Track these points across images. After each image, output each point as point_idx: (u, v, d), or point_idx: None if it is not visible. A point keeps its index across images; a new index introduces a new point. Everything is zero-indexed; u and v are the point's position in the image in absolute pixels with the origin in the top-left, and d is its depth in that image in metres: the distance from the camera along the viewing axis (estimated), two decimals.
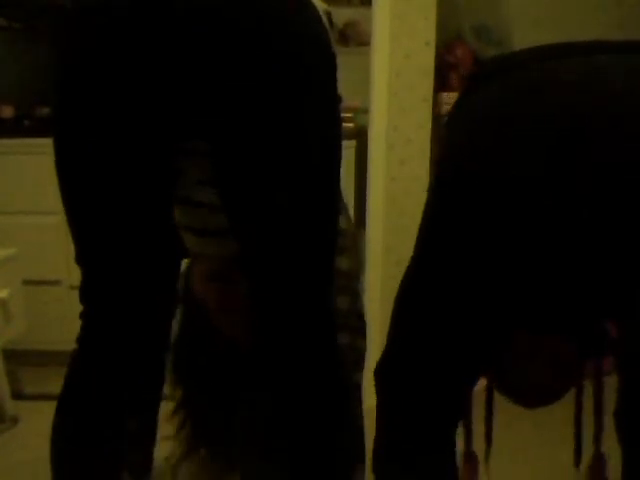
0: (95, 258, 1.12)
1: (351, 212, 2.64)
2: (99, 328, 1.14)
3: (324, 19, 1.04)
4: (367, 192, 2.45)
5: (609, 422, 1.15)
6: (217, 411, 1.40)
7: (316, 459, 1.09)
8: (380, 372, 1.12)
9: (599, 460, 1.22)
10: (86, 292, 1.14)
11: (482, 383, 1.17)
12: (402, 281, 1.10)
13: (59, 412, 1.14)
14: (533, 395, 1.10)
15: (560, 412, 1.22)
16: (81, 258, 1.13)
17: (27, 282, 2.30)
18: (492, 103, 1.01)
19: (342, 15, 3.54)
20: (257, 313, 1.09)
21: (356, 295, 1.45)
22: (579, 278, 0.93)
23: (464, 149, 1.01)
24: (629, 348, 0.97)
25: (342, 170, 1.09)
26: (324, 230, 1.07)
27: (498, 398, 1.18)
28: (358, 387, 1.41)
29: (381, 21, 2.28)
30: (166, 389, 1.31)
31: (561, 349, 1.04)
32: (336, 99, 1.06)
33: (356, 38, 3.52)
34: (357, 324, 1.43)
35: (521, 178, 0.92)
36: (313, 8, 1.02)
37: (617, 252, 0.90)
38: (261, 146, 0.98)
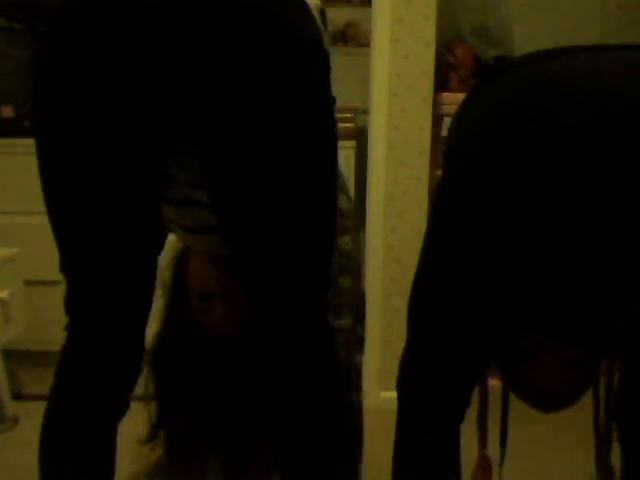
0: (82, 266, 1.08)
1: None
2: (86, 340, 1.11)
3: (317, 17, 1.04)
4: (367, 192, 2.45)
5: None
6: (193, 407, 1.39)
7: (318, 460, 1.09)
8: (401, 377, 1.13)
9: (609, 473, 1.21)
10: (72, 303, 1.11)
11: (498, 387, 1.17)
12: (412, 285, 1.10)
13: (46, 425, 1.11)
14: (550, 399, 1.09)
15: (574, 415, 1.21)
16: (67, 266, 1.09)
17: (27, 282, 2.30)
18: (493, 103, 1.01)
19: (342, 15, 3.54)
20: (252, 313, 1.08)
21: (357, 276, 1.44)
22: (590, 278, 0.93)
23: (466, 148, 1.01)
24: (631, 349, 0.97)
25: (340, 165, 1.08)
26: (321, 230, 1.05)
27: (512, 402, 1.17)
28: (358, 371, 1.40)
29: (381, 21, 2.28)
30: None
31: (576, 351, 1.04)
32: (330, 100, 1.05)
33: (356, 38, 3.53)
34: (358, 305, 1.42)
35: (521, 178, 0.92)
36: (307, 8, 1.01)
37: (622, 250, 0.90)
38: (256, 147, 0.97)
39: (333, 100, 1.06)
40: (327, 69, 1.04)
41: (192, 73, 0.94)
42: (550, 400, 1.09)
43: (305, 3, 1.01)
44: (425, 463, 1.09)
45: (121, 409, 1.15)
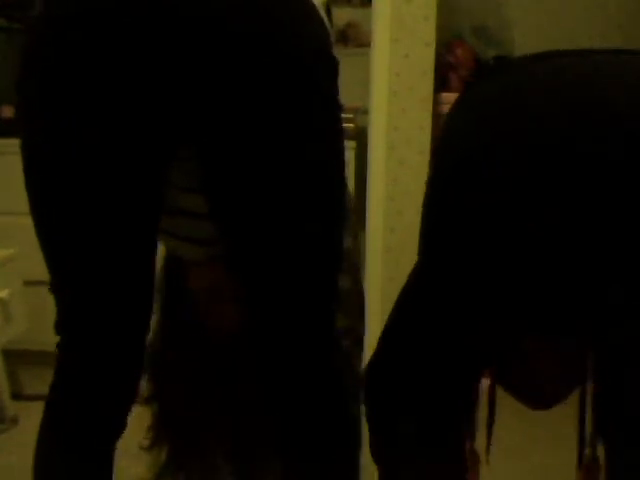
0: (80, 282, 1.02)
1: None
2: (80, 360, 1.06)
3: (324, 15, 1.02)
4: (367, 192, 2.45)
5: None
6: (191, 407, 1.38)
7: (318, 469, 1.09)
8: (376, 371, 1.12)
9: (594, 463, 1.22)
10: (67, 322, 1.06)
11: (484, 384, 1.17)
12: (407, 280, 1.10)
13: (42, 443, 1.08)
14: (543, 397, 1.09)
15: (557, 411, 1.22)
16: (61, 285, 1.04)
17: (27, 282, 2.31)
18: (484, 102, 1.01)
19: (342, 15, 3.54)
20: (253, 319, 1.07)
21: (357, 274, 1.43)
22: (589, 278, 0.93)
23: (458, 147, 1.01)
24: (627, 349, 0.97)
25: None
26: (327, 238, 1.04)
27: (507, 402, 1.18)
28: (358, 380, 1.39)
29: (381, 21, 2.28)
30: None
31: (572, 351, 1.04)
32: (338, 105, 1.03)
33: (356, 39, 3.53)
34: (358, 305, 1.41)
35: (518, 176, 0.92)
36: (312, 7, 1.00)
37: (621, 250, 0.89)
38: (256, 147, 0.95)
39: (340, 106, 1.03)
40: (334, 74, 1.01)
41: (194, 73, 0.93)
42: (543, 398, 1.09)
43: (314, 6, 0.99)
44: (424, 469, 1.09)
45: (120, 426, 1.11)
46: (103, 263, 1.00)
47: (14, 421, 2.25)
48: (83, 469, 1.09)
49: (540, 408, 1.11)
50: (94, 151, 0.95)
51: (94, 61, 0.93)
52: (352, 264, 1.41)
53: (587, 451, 1.21)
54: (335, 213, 1.05)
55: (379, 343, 1.13)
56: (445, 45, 2.56)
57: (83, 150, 0.95)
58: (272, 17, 0.94)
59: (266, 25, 0.93)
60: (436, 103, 2.39)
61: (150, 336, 1.17)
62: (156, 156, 1.00)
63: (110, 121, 0.94)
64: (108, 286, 1.02)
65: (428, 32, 2.29)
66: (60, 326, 1.06)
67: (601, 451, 1.19)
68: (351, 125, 3.11)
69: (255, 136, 0.95)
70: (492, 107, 0.99)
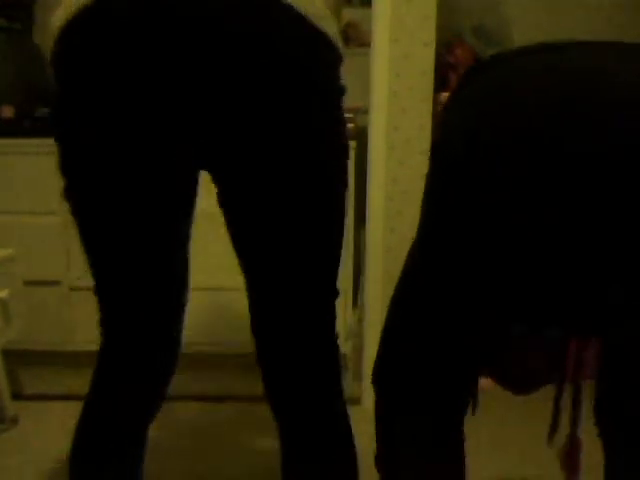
0: (114, 285, 1.07)
1: (351, 212, 2.64)
2: (122, 352, 1.11)
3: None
4: (367, 192, 2.45)
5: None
6: None
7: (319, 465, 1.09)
8: (379, 372, 1.12)
9: (575, 443, 1.23)
10: (107, 319, 1.11)
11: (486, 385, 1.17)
12: (401, 273, 1.10)
13: (80, 435, 1.11)
14: (525, 382, 1.11)
15: (540, 399, 1.23)
16: (99, 286, 1.09)
17: (27, 282, 2.31)
18: (475, 98, 1.01)
19: (342, 15, 3.53)
20: (256, 322, 1.09)
21: None
22: (588, 278, 0.93)
23: (451, 144, 1.01)
24: (627, 349, 0.97)
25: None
26: (326, 238, 1.05)
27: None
28: None
29: (381, 21, 2.28)
30: None
31: (553, 341, 1.05)
32: (339, 105, 1.03)
33: (356, 39, 3.52)
34: None
35: (513, 175, 0.91)
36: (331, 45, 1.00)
37: (620, 250, 0.89)
38: (258, 151, 0.96)
39: (342, 91, 1.04)
40: (333, 68, 1.02)
41: (190, 73, 0.93)
42: (525, 385, 1.10)
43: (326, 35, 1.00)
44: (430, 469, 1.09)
45: (155, 408, 1.16)
46: (138, 263, 1.04)
47: (14, 421, 2.25)
48: (119, 453, 1.12)
49: (521, 393, 1.13)
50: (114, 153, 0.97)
51: (90, 62, 0.93)
52: None
53: (567, 434, 1.22)
54: (334, 213, 1.06)
55: (379, 345, 1.13)
56: (445, 45, 2.56)
57: (118, 174, 0.98)
58: (269, 17, 0.94)
59: (263, 25, 0.93)
60: (436, 103, 2.39)
61: None
62: (163, 155, 0.99)
63: (106, 124, 0.95)
64: (143, 285, 1.06)
65: (428, 32, 2.29)
66: (103, 323, 1.11)
67: (582, 432, 1.20)
68: (351, 125, 3.11)
69: (252, 135, 0.95)
70: (491, 104, 0.99)
